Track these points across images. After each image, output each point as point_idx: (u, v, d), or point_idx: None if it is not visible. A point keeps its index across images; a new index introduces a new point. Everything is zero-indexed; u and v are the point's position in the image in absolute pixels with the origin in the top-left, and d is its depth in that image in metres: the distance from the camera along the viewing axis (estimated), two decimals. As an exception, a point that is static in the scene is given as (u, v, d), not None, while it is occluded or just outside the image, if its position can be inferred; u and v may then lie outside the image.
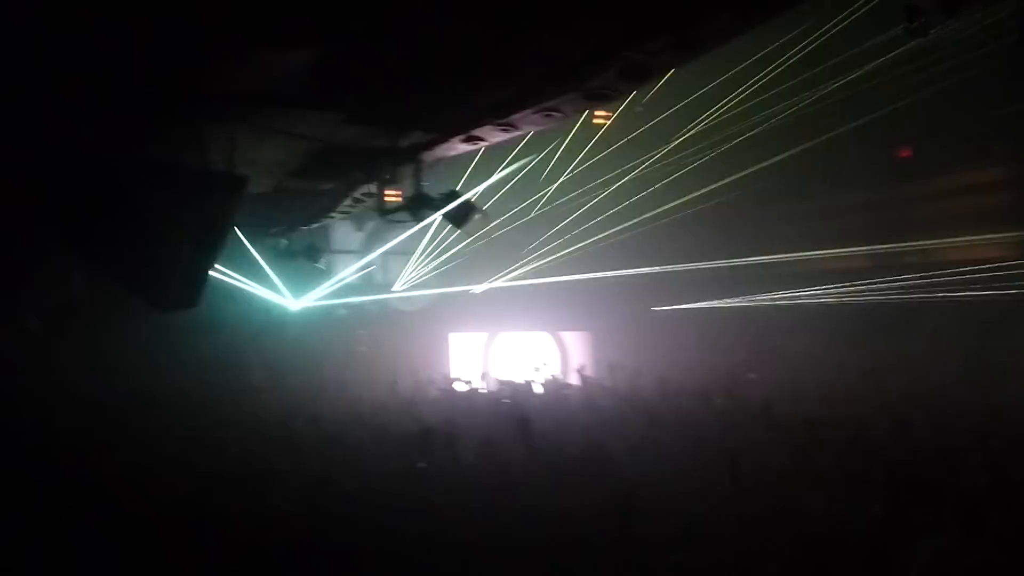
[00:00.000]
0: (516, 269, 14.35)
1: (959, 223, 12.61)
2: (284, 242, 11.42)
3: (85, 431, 7.89)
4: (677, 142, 10.48)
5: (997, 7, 5.66)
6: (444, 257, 13.55)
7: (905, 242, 13.08)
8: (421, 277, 15.91)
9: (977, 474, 6.59)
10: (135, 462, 7.18)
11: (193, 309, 7.23)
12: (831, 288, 13.53)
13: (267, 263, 11.48)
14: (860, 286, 13.12)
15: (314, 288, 12.99)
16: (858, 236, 13.57)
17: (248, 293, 11.51)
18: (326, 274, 12.97)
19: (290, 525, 6.05)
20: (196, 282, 6.97)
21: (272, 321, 12.98)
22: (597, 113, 8.12)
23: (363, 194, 8.74)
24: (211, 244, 6.73)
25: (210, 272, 7.04)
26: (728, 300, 15.04)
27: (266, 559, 5.52)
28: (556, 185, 11.29)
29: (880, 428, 8.44)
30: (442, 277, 16.63)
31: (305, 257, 11.33)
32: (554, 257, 13.78)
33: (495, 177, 8.92)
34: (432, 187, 7.84)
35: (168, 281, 6.90)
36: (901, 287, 12.43)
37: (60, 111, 5.98)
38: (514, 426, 9.03)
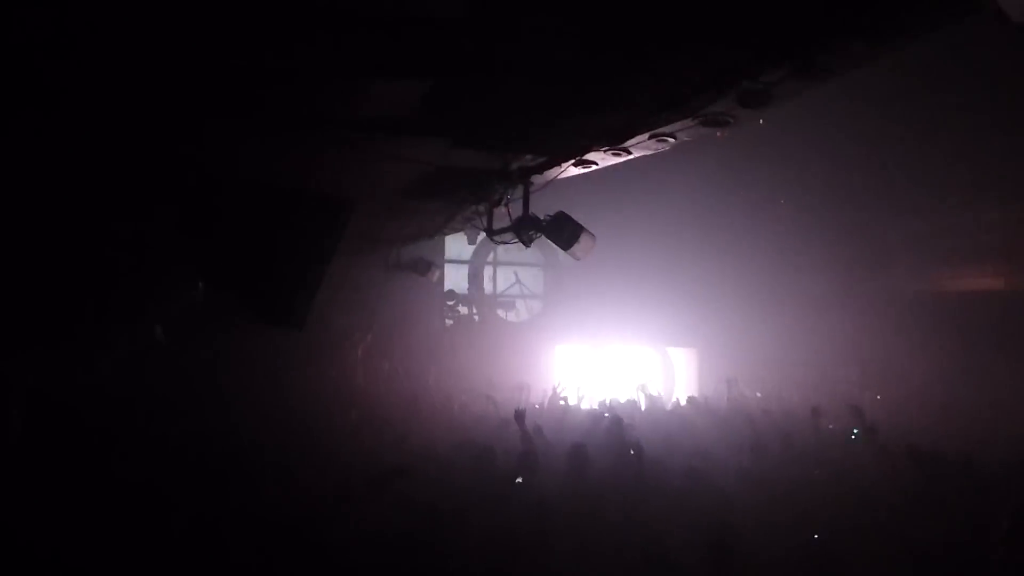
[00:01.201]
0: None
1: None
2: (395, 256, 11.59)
3: (209, 438, 8.13)
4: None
5: None
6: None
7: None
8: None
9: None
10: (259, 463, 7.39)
11: (301, 327, 7.43)
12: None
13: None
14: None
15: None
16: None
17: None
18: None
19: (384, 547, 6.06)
20: (304, 301, 7.18)
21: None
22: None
23: (472, 213, 8.75)
24: (317, 264, 6.89)
25: (317, 291, 7.19)
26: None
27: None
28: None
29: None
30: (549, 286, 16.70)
31: (413, 270, 11.48)
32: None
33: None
34: (540, 208, 7.77)
35: (278, 299, 7.13)
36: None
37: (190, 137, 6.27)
38: (614, 444, 8.88)
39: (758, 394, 13.11)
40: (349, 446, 8.74)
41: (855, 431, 9.50)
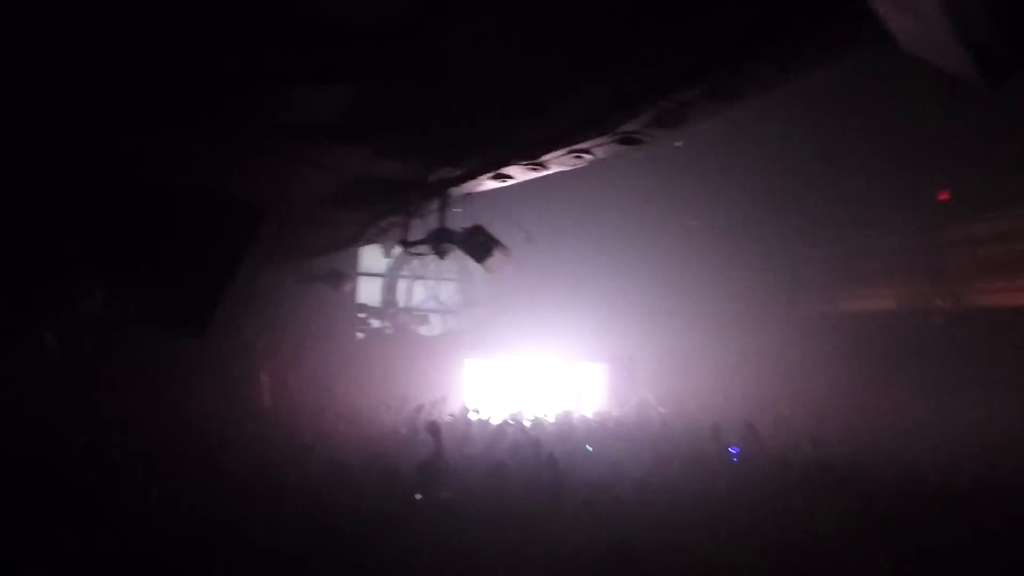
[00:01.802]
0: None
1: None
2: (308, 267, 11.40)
3: (99, 449, 7.77)
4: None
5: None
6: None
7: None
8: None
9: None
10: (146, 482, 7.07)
11: (202, 335, 7.15)
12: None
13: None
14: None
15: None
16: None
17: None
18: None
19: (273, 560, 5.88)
20: (206, 309, 6.91)
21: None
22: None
23: (388, 224, 8.71)
24: (223, 273, 6.67)
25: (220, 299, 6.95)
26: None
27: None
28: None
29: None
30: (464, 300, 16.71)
31: (327, 283, 11.33)
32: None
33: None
34: (456, 221, 7.80)
35: (180, 306, 6.85)
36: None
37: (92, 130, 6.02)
38: (521, 459, 8.90)
39: (661, 410, 13.36)
40: (245, 460, 8.42)
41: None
